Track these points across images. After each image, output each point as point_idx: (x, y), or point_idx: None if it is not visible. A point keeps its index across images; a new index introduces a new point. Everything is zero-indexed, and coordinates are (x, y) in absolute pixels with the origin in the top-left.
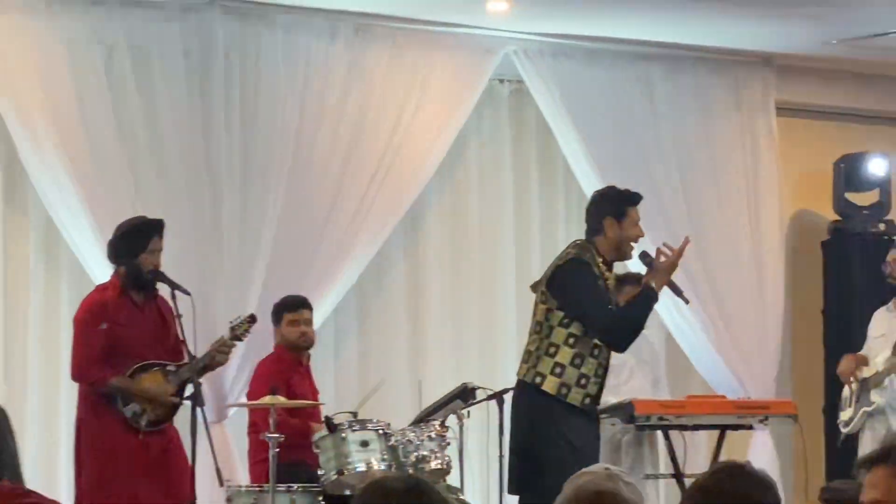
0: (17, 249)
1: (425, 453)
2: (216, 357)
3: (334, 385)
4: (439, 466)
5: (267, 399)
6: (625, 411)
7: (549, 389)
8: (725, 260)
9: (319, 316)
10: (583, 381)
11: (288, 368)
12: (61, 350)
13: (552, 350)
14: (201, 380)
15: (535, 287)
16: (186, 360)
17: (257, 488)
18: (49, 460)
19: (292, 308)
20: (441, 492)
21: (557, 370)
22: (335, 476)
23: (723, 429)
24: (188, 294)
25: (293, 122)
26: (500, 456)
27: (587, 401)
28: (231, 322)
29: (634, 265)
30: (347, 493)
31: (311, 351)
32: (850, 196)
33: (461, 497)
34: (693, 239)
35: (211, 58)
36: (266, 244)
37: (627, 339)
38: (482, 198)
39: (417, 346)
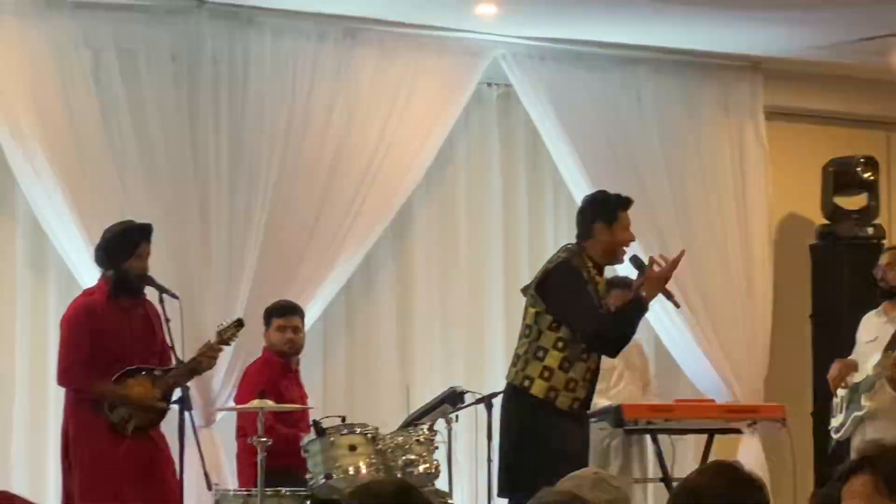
0: (4, 253)
1: (413, 457)
2: (203, 361)
3: (322, 389)
4: (428, 470)
5: (255, 403)
6: (613, 415)
7: (538, 393)
8: (714, 264)
9: (308, 320)
10: (571, 385)
11: (276, 373)
12: (49, 354)
13: (541, 354)
14: (189, 384)
15: (525, 290)
16: (174, 364)
17: (245, 492)
18: (37, 465)
19: (282, 314)
20: (429, 496)
21: (546, 374)
22: (323, 480)
23: (711, 433)
24: (176, 298)
25: (281, 126)
26: (489, 460)
27: (575, 405)
28: (218, 326)
29: (625, 269)
30: (336, 497)
31: (300, 354)
32: (839, 200)
33: (450, 501)
34: (681, 243)
35: (199, 61)
36: (254, 248)
37: (614, 346)
38: (470, 202)
39: (406, 349)
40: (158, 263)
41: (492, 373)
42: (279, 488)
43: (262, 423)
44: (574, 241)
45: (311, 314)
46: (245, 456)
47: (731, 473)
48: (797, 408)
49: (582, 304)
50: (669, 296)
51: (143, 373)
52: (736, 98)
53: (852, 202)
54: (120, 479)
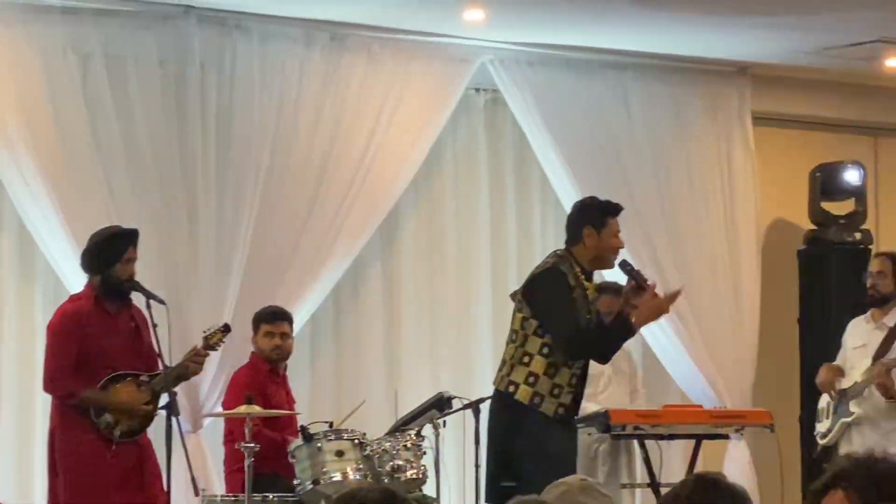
0: None
1: (401, 463)
2: (190, 367)
3: (310, 394)
4: (415, 476)
5: (242, 409)
6: (601, 421)
7: (523, 399)
8: (701, 269)
9: (295, 325)
10: (556, 392)
11: (264, 378)
12: (36, 359)
13: (526, 359)
14: (177, 389)
15: (513, 296)
16: (161, 370)
17: (232, 498)
18: (24, 471)
19: (270, 319)
20: (416, 502)
21: (531, 380)
22: (311, 486)
23: (698, 438)
24: (163, 304)
25: (269, 131)
26: (476, 465)
27: (560, 410)
28: (205, 332)
29: (615, 275)
30: (323, 502)
31: (288, 360)
32: (826, 205)
33: None
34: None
35: (187, 67)
36: (242, 253)
37: (593, 357)
38: (458, 207)
39: (393, 355)
40: (146, 269)
41: (479, 378)
42: (267, 494)
43: (249, 429)
44: (563, 246)
45: (299, 319)
46: (232, 461)
47: (712, 486)
48: (785, 413)
49: (561, 310)
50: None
51: (130, 378)
52: (723, 103)
53: (840, 207)
54: (107, 486)
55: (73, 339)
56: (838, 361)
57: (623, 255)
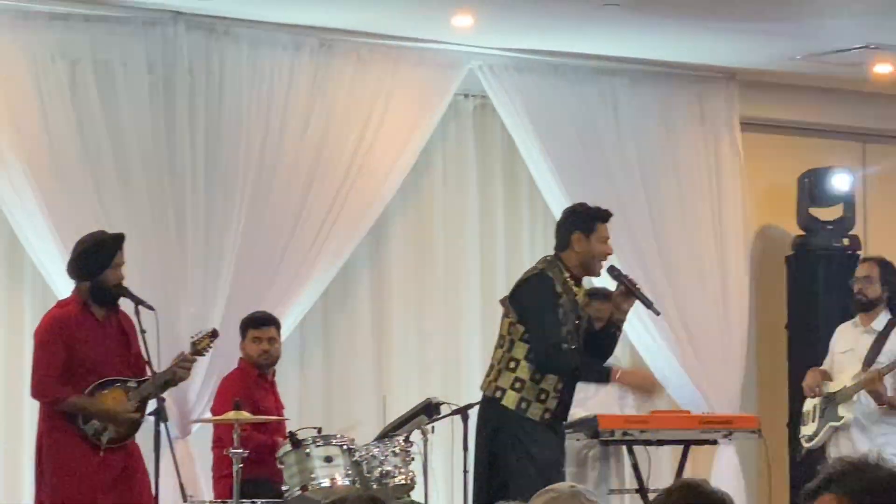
0: None
1: (389, 469)
2: (177, 372)
3: (298, 399)
4: (403, 482)
5: (231, 414)
6: (589, 426)
7: (509, 404)
8: (690, 274)
9: (284, 330)
10: (542, 397)
11: (252, 383)
12: (24, 365)
13: (512, 365)
14: (165, 395)
15: (503, 301)
16: (149, 375)
17: (220, 503)
18: (12, 477)
19: (257, 325)
20: None
21: (517, 385)
22: (299, 491)
23: (687, 444)
24: (152, 309)
25: (257, 137)
26: (465, 471)
27: (547, 416)
28: (192, 337)
29: (605, 281)
30: None
31: (276, 365)
32: (814, 211)
33: None
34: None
35: (175, 72)
36: (230, 258)
37: (561, 374)
38: (447, 212)
39: (382, 360)
40: (134, 274)
41: (468, 384)
42: (255, 500)
43: (237, 435)
44: (552, 252)
45: (288, 324)
46: (220, 467)
47: (696, 492)
48: (773, 418)
49: (543, 321)
50: (649, 304)
51: (117, 384)
52: (712, 109)
53: (828, 213)
54: (94, 492)
55: (60, 346)
56: (825, 366)
57: (611, 260)
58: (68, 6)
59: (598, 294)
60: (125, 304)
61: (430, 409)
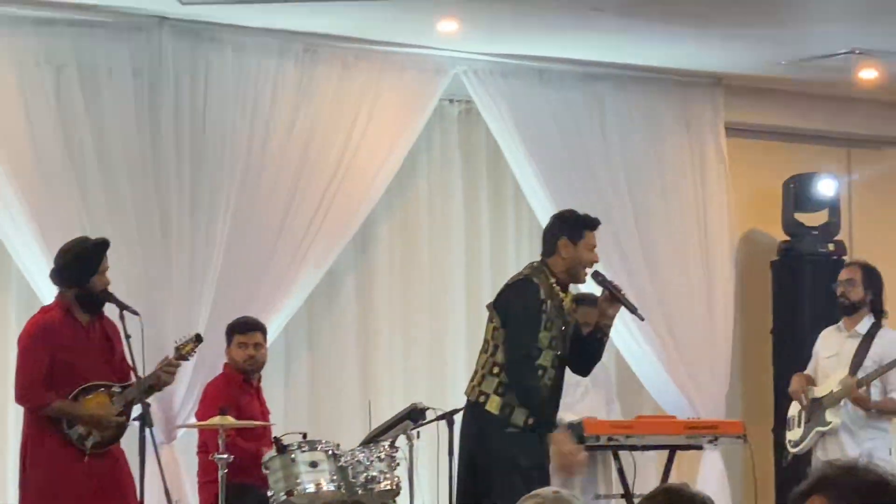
0: None
1: (375, 474)
2: (162, 377)
3: (284, 404)
4: (389, 487)
5: (216, 419)
6: (574, 431)
7: (493, 409)
8: (675, 280)
9: (269, 335)
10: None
11: (237, 389)
12: (9, 370)
13: (496, 370)
14: (150, 400)
15: (489, 306)
16: (133, 380)
17: None
18: None
19: (243, 330)
20: None
21: (500, 389)
22: (284, 497)
23: (672, 449)
24: (137, 314)
25: (242, 142)
26: (450, 477)
27: (531, 421)
28: (176, 342)
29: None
30: None
31: (262, 370)
32: (800, 216)
33: None
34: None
35: (160, 77)
36: (215, 263)
37: (518, 384)
38: (432, 217)
39: (367, 365)
40: (119, 279)
41: (453, 389)
42: None
43: (223, 440)
44: (538, 257)
45: (273, 330)
46: (205, 473)
47: (677, 497)
48: (758, 424)
49: (519, 330)
50: (633, 309)
51: (102, 389)
52: (697, 114)
53: (813, 218)
54: (79, 497)
55: (44, 351)
56: (809, 371)
57: (596, 266)
58: (53, 11)
59: (586, 299)
60: (109, 310)
61: (415, 415)
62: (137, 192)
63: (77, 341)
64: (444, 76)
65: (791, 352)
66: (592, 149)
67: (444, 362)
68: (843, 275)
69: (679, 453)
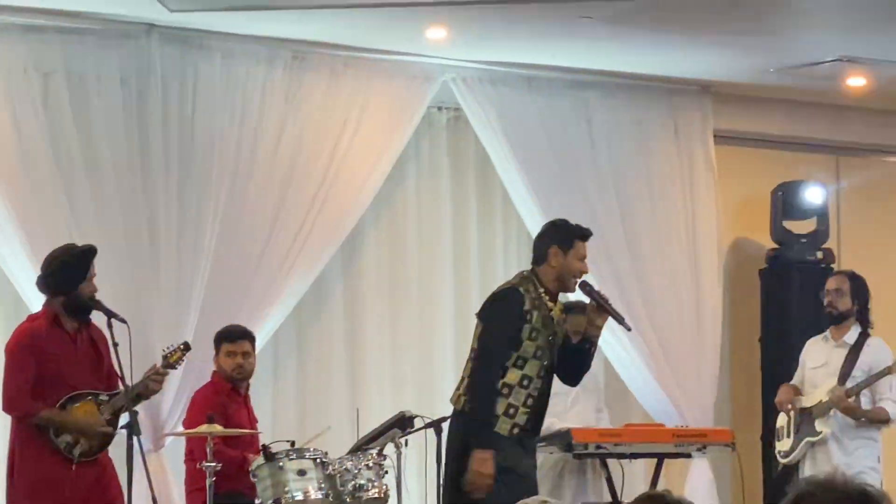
0: None
1: (363, 482)
2: (149, 385)
3: (272, 413)
4: (377, 495)
5: (204, 428)
6: (563, 439)
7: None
8: (663, 287)
9: (257, 344)
10: (511, 411)
11: (225, 397)
12: None
13: None
14: (138, 408)
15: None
16: (121, 389)
17: None
18: None
19: (231, 339)
20: None
21: None
22: None
23: (660, 457)
24: (124, 322)
25: (231, 149)
26: (438, 485)
27: (515, 430)
28: (164, 350)
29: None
30: None
31: (249, 379)
32: (788, 224)
33: None
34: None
35: (148, 85)
36: (203, 271)
37: (472, 393)
38: (420, 225)
39: (355, 373)
40: (107, 287)
41: (441, 397)
42: None
43: (210, 448)
44: (528, 265)
45: (261, 337)
46: (193, 481)
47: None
48: (747, 432)
49: (490, 342)
50: (620, 319)
51: (89, 397)
52: (686, 122)
53: (802, 226)
54: None
55: (31, 359)
56: (795, 381)
57: (584, 276)
58: (42, 18)
59: (575, 308)
60: (97, 317)
61: (403, 423)
62: (125, 199)
63: (64, 349)
64: (433, 84)
65: (779, 359)
66: (581, 156)
67: (432, 370)
68: (831, 284)
69: (667, 461)
